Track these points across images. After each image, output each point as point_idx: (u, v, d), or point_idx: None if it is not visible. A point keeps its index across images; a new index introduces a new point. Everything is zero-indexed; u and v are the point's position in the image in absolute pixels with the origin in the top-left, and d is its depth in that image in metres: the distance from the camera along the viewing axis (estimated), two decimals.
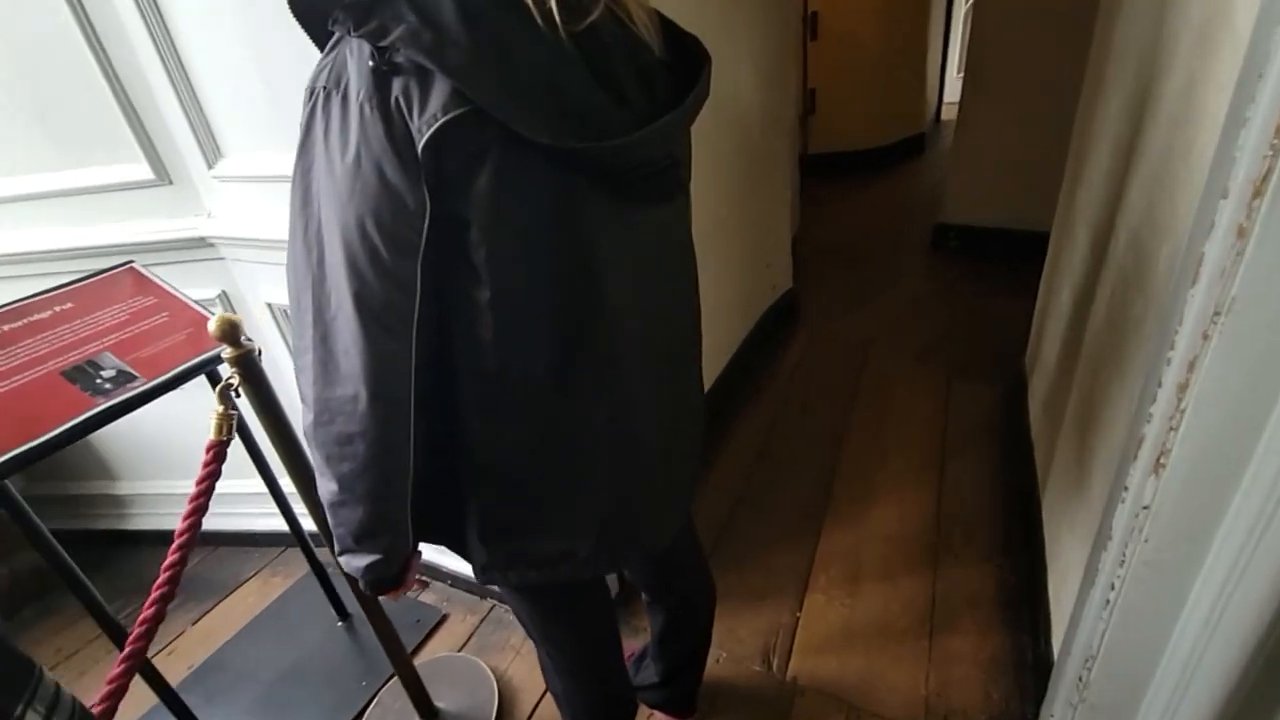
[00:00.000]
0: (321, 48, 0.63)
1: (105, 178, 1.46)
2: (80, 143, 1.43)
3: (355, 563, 0.72)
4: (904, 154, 4.66)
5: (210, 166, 1.36)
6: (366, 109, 0.55)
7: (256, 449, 1.40)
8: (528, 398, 0.69)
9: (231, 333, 0.91)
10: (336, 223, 0.57)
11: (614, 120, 0.62)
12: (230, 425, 0.93)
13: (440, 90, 0.54)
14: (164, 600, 0.95)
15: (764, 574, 1.64)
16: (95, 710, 0.95)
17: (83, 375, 1.09)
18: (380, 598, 0.74)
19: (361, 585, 0.74)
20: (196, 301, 1.31)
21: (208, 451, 0.92)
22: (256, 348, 0.95)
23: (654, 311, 0.74)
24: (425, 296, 0.61)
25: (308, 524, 1.43)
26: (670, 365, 0.81)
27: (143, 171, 1.42)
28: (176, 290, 1.26)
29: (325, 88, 0.58)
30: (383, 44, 0.54)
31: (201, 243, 1.46)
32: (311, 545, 1.62)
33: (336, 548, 0.72)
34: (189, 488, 1.89)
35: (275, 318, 1.53)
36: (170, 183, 1.44)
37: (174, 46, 1.23)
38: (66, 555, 1.10)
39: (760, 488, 1.93)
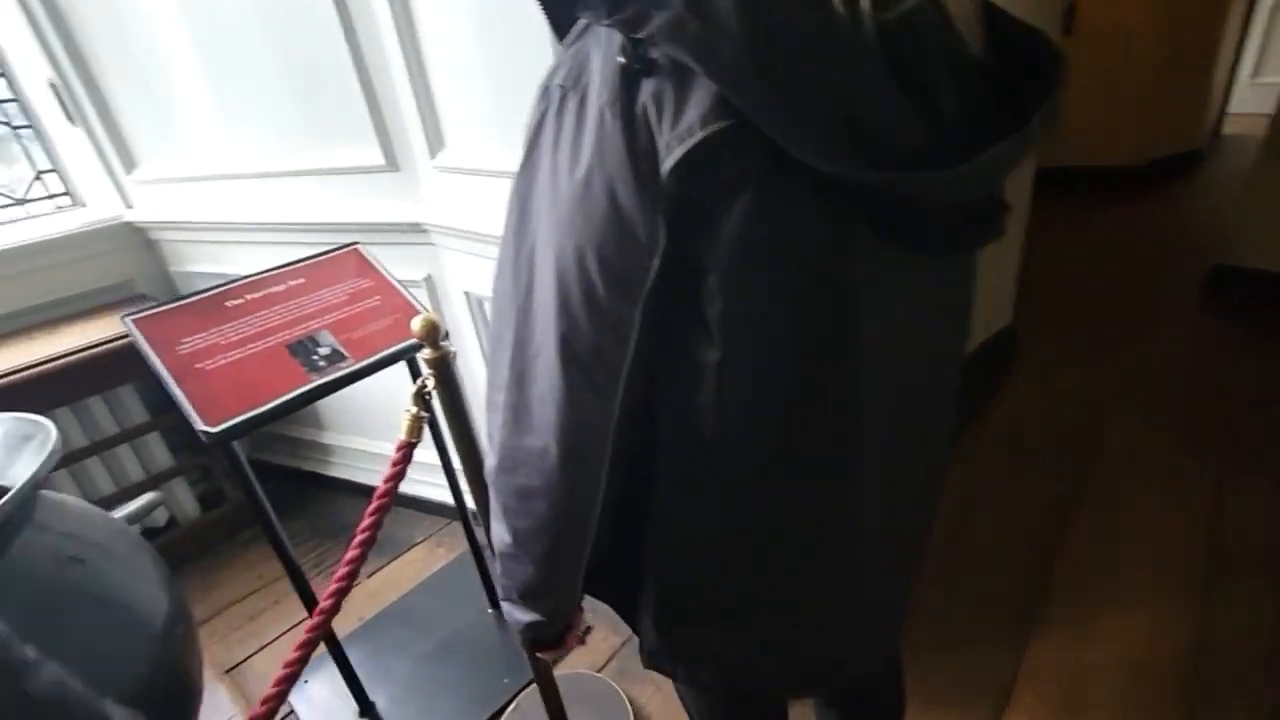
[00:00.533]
0: (563, 38, 0.54)
1: (344, 160, 1.56)
2: (330, 127, 1.55)
3: (517, 616, 0.65)
4: (1169, 174, 3.86)
5: (432, 156, 1.40)
6: (607, 115, 0.44)
7: (437, 430, 1.43)
8: (740, 480, 0.56)
9: (433, 334, 0.89)
10: (552, 250, 0.48)
11: (919, 144, 0.46)
12: (421, 428, 0.91)
13: (700, 97, 0.42)
14: (339, 595, 0.96)
15: (954, 672, 1.38)
16: (281, 673, 0.99)
17: (303, 350, 1.15)
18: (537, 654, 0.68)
19: (518, 640, 0.68)
20: (404, 282, 1.35)
21: (397, 451, 0.91)
22: (453, 351, 0.92)
23: (911, 397, 0.58)
24: (639, 348, 0.50)
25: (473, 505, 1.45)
26: (914, 465, 0.64)
27: (375, 157, 1.50)
28: (390, 275, 1.31)
29: (562, 86, 0.48)
30: (638, 35, 0.42)
31: (416, 228, 1.52)
32: (474, 528, 1.65)
33: (500, 593, 0.66)
34: (380, 448, 2.06)
35: (470, 306, 1.56)
36: (397, 169, 1.51)
37: (415, 39, 1.26)
38: (270, 509, 1.16)
39: (955, 563, 1.65)
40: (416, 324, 0.87)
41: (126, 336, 1.73)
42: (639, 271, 0.46)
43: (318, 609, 0.99)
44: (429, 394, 0.90)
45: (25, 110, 1.97)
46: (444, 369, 0.91)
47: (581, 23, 0.48)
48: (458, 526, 1.94)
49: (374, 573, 1.92)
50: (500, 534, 0.60)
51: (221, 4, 1.50)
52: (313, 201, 1.67)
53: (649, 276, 0.46)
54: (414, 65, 1.29)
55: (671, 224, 0.45)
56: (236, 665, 1.67)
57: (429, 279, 1.64)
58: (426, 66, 1.29)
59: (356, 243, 1.35)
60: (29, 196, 2.04)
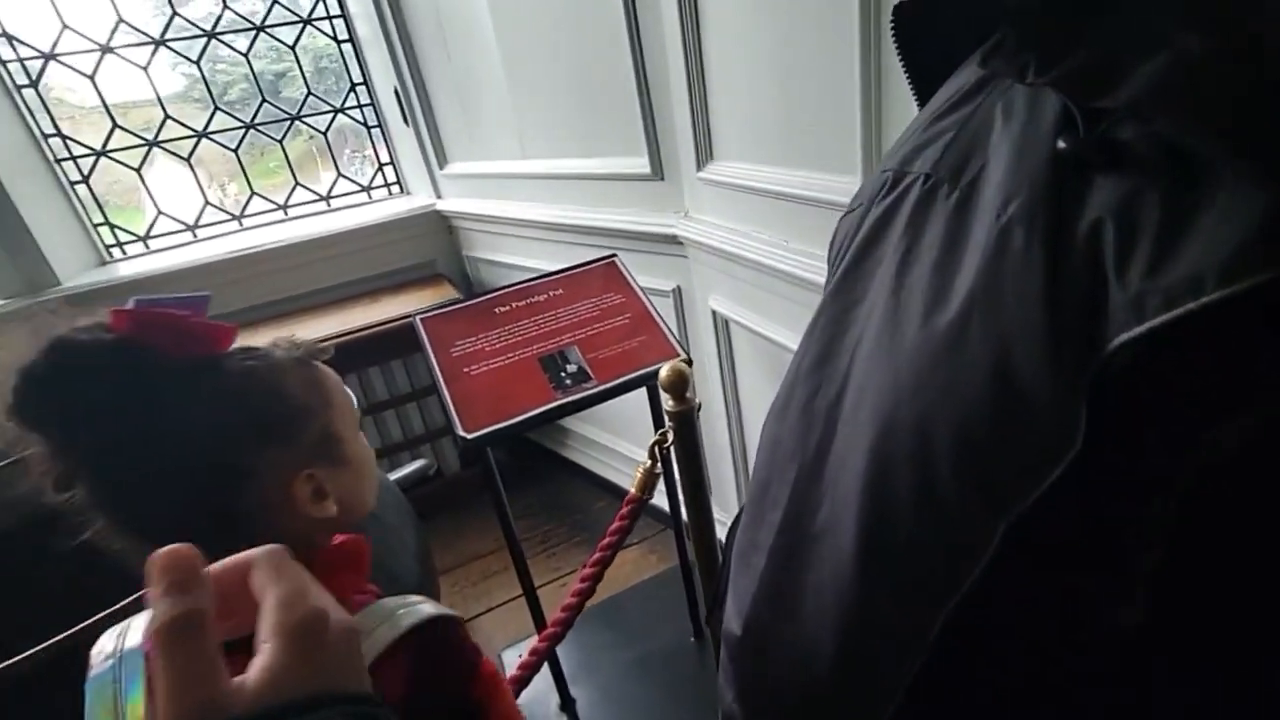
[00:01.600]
0: (924, 94, 0.38)
1: (612, 167, 1.57)
2: (603, 133, 1.56)
3: None
4: None
5: (699, 168, 1.32)
6: (1018, 234, 0.28)
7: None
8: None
9: (679, 386, 0.81)
10: (876, 413, 0.33)
11: None
12: (655, 484, 0.84)
13: (1222, 221, 0.23)
14: (563, 625, 0.95)
15: None
16: (513, 676, 1.03)
17: (552, 365, 1.16)
18: None
19: None
20: (651, 290, 1.30)
21: (625, 504, 0.86)
22: (697, 403, 0.83)
23: None
24: (989, 575, 0.32)
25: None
26: None
27: (642, 165, 1.48)
28: (643, 293, 1.27)
29: (928, 175, 0.33)
30: (1102, 101, 0.25)
31: (673, 240, 1.47)
32: (687, 547, 1.59)
33: None
34: (612, 442, 2.11)
35: (716, 325, 1.48)
36: (662, 178, 1.46)
37: (700, 46, 1.18)
38: (507, 506, 1.20)
39: None
40: (665, 372, 0.80)
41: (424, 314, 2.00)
42: (1025, 477, 0.28)
43: (544, 632, 1.00)
44: (667, 448, 0.82)
45: (376, 112, 2.37)
46: (686, 424, 0.82)
47: (967, 74, 0.32)
48: (671, 538, 1.92)
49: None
50: (730, 705, 0.48)
51: (525, 15, 1.58)
52: (579, 204, 1.72)
53: (1039, 485, 0.28)
54: (695, 72, 1.22)
55: (1101, 420, 0.26)
56: (466, 621, 1.86)
57: (677, 290, 1.59)
58: (708, 75, 1.20)
59: (615, 255, 1.34)
60: (371, 185, 2.46)
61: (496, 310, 1.24)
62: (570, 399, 1.10)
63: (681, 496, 0.96)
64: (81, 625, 0.74)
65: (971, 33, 0.37)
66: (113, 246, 2.16)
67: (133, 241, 2.18)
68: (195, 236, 2.25)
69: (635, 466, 1.98)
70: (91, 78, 1.99)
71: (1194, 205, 0.23)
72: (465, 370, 1.14)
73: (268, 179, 2.37)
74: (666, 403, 0.82)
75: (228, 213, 2.28)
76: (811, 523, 0.37)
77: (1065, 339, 0.26)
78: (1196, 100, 0.23)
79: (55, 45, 1.94)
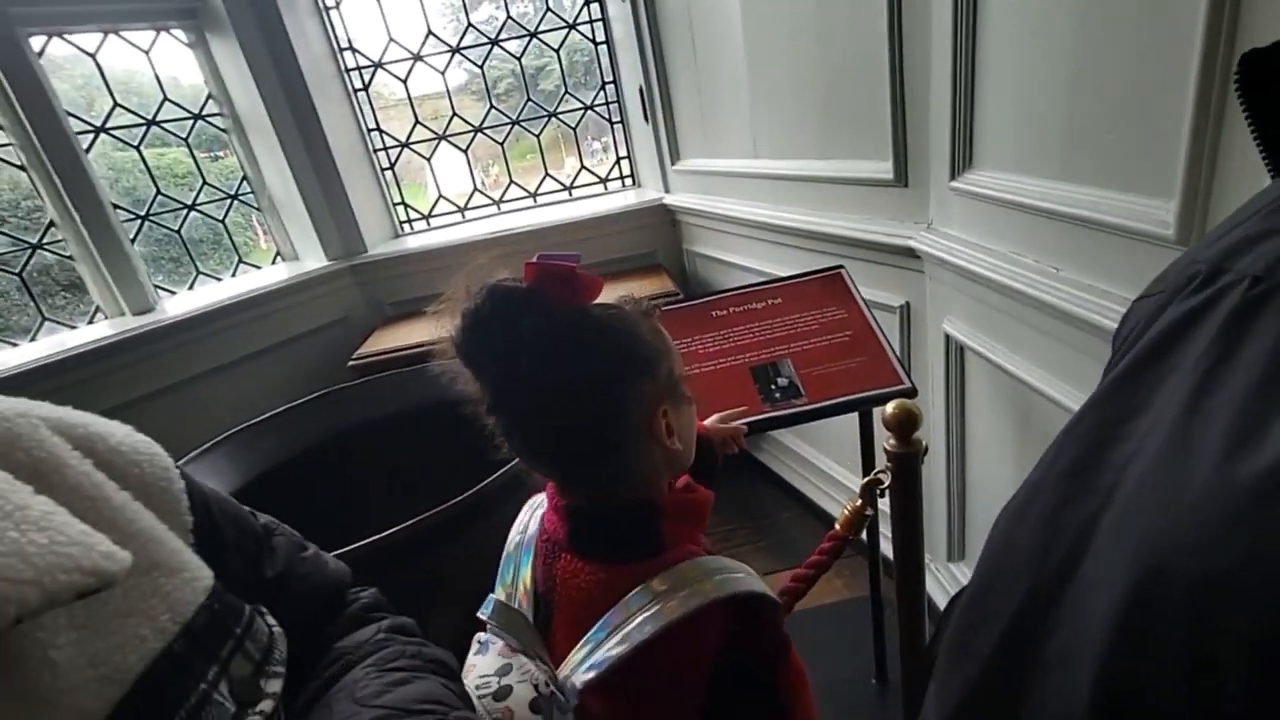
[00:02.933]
0: (1278, 163, 0.28)
1: (850, 170, 1.48)
2: (844, 136, 1.48)
3: None
4: None
5: (954, 176, 1.18)
6: None
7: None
8: None
9: (907, 426, 0.74)
10: (1145, 552, 0.27)
11: None
12: (862, 527, 0.79)
13: None
14: None
15: None
16: None
17: (763, 376, 1.14)
18: None
19: None
20: (878, 305, 1.21)
21: (826, 540, 0.81)
22: (924, 447, 0.75)
23: None
24: None
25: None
26: None
27: (884, 170, 1.37)
28: (867, 310, 1.19)
29: (1259, 279, 0.26)
30: None
31: (908, 253, 1.34)
32: (882, 581, 1.48)
33: None
34: (812, 455, 2.03)
35: (948, 352, 1.32)
36: (905, 185, 1.34)
37: (973, 50, 1.04)
38: None
39: None
40: (892, 408, 0.74)
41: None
42: None
43: None
44: (882, 491, 0.76)
45: (621, 108, 2.51)
46: (908, 468, 0.75)
47: None
48: (863, 565, 1.79)
49: (771, 572, 1.95)
50: None
51: (777, 12, 1.55)
52: (807, 208, 1.65)
53: None
54: (963, 73, 1.09)
55: None
56: None
57: (905, 307, 1.46)
58: (978, 75, 1.06)
59: (842, 267, 1.27)
60: (608, 177, 2.63)
61: (714, 313, 1.25)
62: (778, 414, 1.08)
63: (892, 541, 0.88)
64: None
65: None
66: (404, 223, 2.59)
67: (419, 219, 2.61)
68: (464, 218, 2.61)
69: (844, 501, 1.90)
70: (404, 81, 2.40)
71: None
72: None
73: (521, 162, 2.66)
74: (888, 440, 0.75)
75: (490, 198, 2.61)
76: (1040, 649, 0.32)
77: None
78: None
79: (383, 55, 2.37)
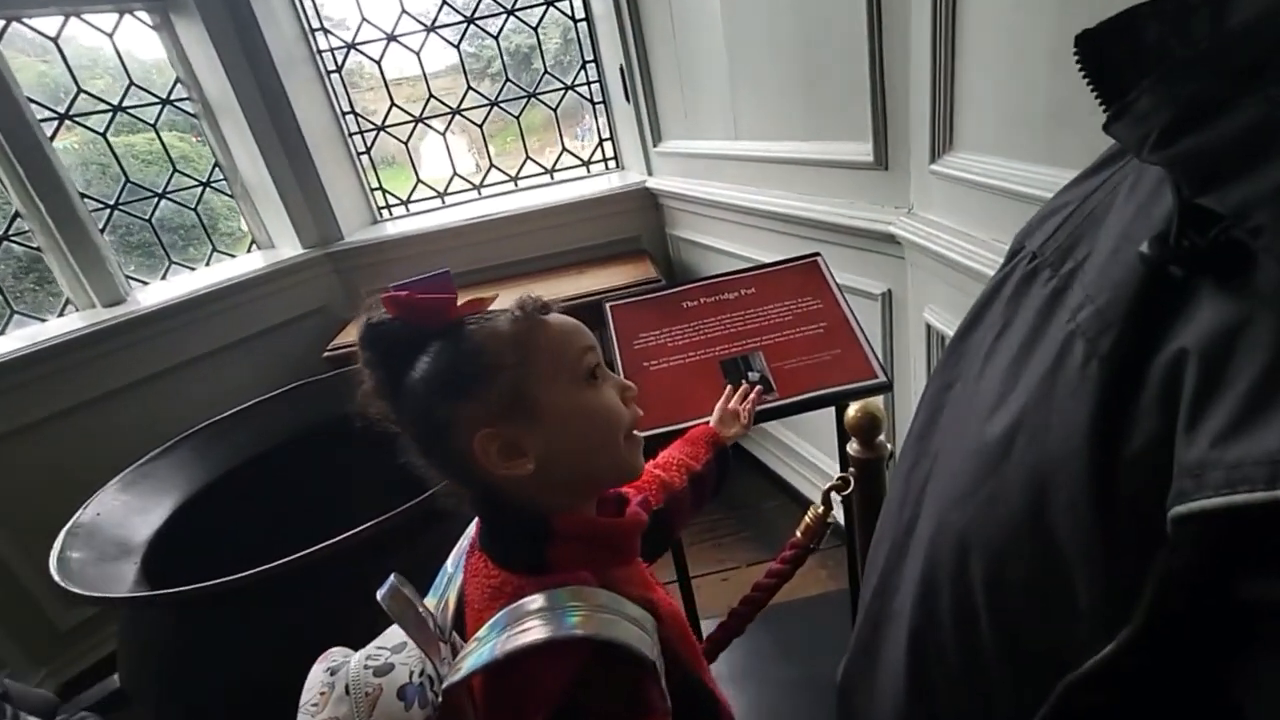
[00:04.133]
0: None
1: (830, 153, 1.43)
2: (824, 117, 1.42)
3: None
4: None
5: (933, 159, 1.13)
6: (1079, 348, 0.24)
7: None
8: None
9: (869, 430, 0.70)
10: (936, 510, 0.32)
11: None
12: (822, 535, 0.75)
13: None
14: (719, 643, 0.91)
15: None
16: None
17: (734, 370, 1.10)
18: None
19: None
20: (858, 292, 1.16)
21: (788, 549, 0.78)
22: (888, 452, 0.71)
23: None
24: None
25: None
26: None
27: (864, 152, 1.32)
28: (844, 301, 1.14)
29: (1035, 255, 0.31)
30: (1207, 202, 0.20)
31: (889, 239, 1.30)
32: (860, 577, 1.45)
33: None
34: (791, 440, 2.00)
35: (929, 340, 1.28)
36: (885, 168, 1.29)
37: (953, 25, 0.99)
38: None
39: None
40: (852, 412, 0.70)
41: (626, 288, 2.04)
42: (1061, 649, 0.25)
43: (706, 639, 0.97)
44: (845, 495, 0.72)
45: (603, 88, 2.44)
46: (872, 474, 0.71)
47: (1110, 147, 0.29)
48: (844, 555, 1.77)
49: (756, 563, 1.93)
50: None
51: None
52: (788, 191, 1.60)
53: (1081, 665, 0.24)
54: (943, 45, 1.03)
55: (1162, 605, 0.22)
56: None
57: (887, 295, 1.41)
58: (959, 53, 1.01)
59: (818, 255, 1.22)
60: (590, 159, 2.56)
61: (684, 305, 1.21)
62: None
63: (849, 550, 0.85)
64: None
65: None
66: (383, 209, 2.54)
67: (398, 205, 2.55)
68: (444, 203, 2.55)
69: (805, 508, 1.86)
70: (378, 62, 2.33)
71: None
72: (645, 365, 1.13)
73: (505, 146, 2.59)
74: (851, 445, 0.72)
75: (470, 182, 2.55)
76: (891, 601, 0.36)
77: (1111, 503, 0.21)
78: None
79: (356, 35, 2.29)
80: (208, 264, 2.26)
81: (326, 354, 2.01)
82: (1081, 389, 0.23)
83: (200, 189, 2.21)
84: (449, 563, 0.66)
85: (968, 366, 0.32)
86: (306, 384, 1.65)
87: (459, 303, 0.57)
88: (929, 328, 1.27)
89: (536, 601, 0.50)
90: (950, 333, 1.19)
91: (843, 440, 1.17)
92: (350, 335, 2.09)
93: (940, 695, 0.31)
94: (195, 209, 2.22)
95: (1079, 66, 0.29)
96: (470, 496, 0.59)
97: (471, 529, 0.65)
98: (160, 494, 1.35)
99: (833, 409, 1.12)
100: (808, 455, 1.93)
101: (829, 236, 1.47)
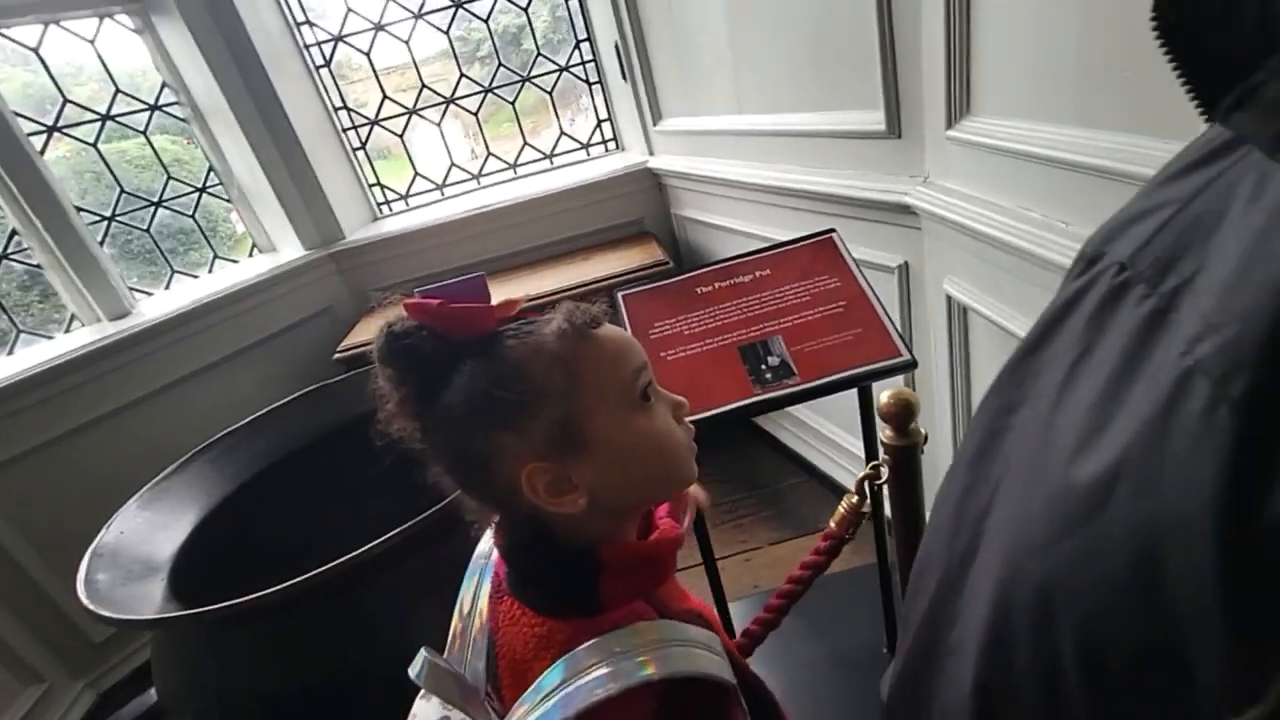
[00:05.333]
0: (1212, 112, 0.23)
1: (840, 123, 1.38)
2: (832, 86, 1.37)
3: None
4: None
5: (950, 125, 1.09)
6: (1200, 389, 0.19)
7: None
8: None
9: (902, 417, 0.67)
10: (1009, 551, 0.28)
11: None
12: (858, 524, 0.73)
13: None
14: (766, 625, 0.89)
15: None
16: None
17: (753, 356, 1.07)
18: None
19: None
20: (874, 266, 1.13)
21: (823, 539, 0.76)
22: (924, 437, 0.69)
23: None
24: None
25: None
26: None
27: (875, 121, 1.27)
28: (862, 277, 1.11)
29: (1123, 266, 0.25)
30: None
31: (904, 209, 1.26)
32: (888, 547, 1.43)
33: None
34: (816, 423, 1.97)
35: (950, 314, 1.25)
36: (899, 136, 1.24)
37: None
38: None
39: None
40: (885, 399, 0.68)
41: (634, 272, 2.01)
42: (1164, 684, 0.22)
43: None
44: (879, 485, 0.70)
45: (598, 68, 2.38)
46: (906, 462, 0.69)
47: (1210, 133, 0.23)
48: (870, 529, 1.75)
49: (778, 543, 1.92)
50: None
51: None
52: (796, 165, 1.55)
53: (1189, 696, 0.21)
54: (957, 12, 0.98)
55: None
56: None
57: (904, 267, 1.37)
58: (973, 14, 0.96)
59: (833, 231, 1.18)
60: (590, 142, 2.51)
61: (698, 290, 1.18)
62: (769, 396, 1.01)
63: (891, 534, 0.83)
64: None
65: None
66: (382, 204, 2.50)
67: (397, 200, 2.51)
68: (443, 195, 2.51)
69: (850, 468, 1.84)
70: (368, 54, 2.27)
71: None
72: (662, 355, 1.10)
73: (501, 130, 2.53)
74: (884, 432, 0.69)
75: (468, 172, 2.51)
76: (946, 634, 0.33)
77: (1241, 559, 0.18)
78: None
79: (342, 27, 2.23)
80: (210, 270, 2.24)
81: (337, 355, 2.00)
82: (1206, 439, 0.19)
83: (197, 195, 2.18)
84: (464, 596, 0.61)
85: (1037, 391, 0.29)
86: (322, 387, 1.64)
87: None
88: (949, 299, 1.23)
89: (597, 650, 0.47)
90: (972, 303, 1.16)
91: (867, 422, 1.14)
92: (359, 335, 2.07)
93: None
94: (193, 216, 2.19)
95: (1159, 40, 0.25)
96: (506, 533, 0.54)
97: (484, 554, 0.61)
98: (181, 509, 1.35)
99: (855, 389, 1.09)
100: (830, 434, 1.91)
101: (841, 210, 1.43)
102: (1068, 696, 0.25)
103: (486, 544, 0.62)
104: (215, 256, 2.25)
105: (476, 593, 0.59)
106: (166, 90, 2.09)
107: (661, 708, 0.46)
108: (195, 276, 2.21)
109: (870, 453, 1.03)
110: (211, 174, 2.21)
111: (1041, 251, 0.92)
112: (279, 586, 0.91)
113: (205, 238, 2.24)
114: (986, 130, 1.01)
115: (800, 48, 1.41)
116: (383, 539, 0.99)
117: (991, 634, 0.28)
